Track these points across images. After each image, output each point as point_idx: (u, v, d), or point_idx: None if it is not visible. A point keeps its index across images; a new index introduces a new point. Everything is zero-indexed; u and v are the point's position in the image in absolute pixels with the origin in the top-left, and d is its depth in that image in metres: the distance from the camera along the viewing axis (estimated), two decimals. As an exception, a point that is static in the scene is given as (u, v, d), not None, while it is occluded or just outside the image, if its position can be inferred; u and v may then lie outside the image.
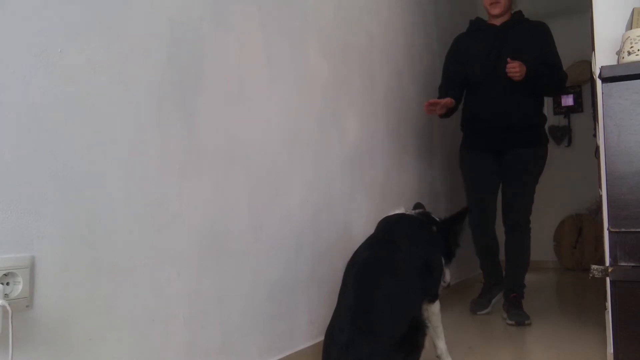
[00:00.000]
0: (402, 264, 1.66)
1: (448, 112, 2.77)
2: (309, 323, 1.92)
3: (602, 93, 1.29)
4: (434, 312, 1.79)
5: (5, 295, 0.95)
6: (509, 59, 2.49)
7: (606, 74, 1.27)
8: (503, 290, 2.80)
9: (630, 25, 1.49)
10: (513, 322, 2.59)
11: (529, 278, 4.30)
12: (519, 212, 2.71)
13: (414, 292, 1.66)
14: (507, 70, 2.48)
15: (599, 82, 1.44)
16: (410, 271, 1.66)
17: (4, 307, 0.93)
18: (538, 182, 2.75)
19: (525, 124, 2.65)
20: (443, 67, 2.92)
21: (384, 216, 1.90)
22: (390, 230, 1.81)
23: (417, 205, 2.11)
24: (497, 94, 2.62)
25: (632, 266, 1.22)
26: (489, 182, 2.79)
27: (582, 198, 4.74)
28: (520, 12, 2.81)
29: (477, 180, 2.79)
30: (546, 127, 5.16)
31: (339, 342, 1.53)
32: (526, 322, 2.58)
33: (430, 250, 1.78)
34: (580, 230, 4.79)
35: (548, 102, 5.16)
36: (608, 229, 1.26)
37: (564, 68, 5.69)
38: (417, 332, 1.61)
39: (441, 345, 1.84)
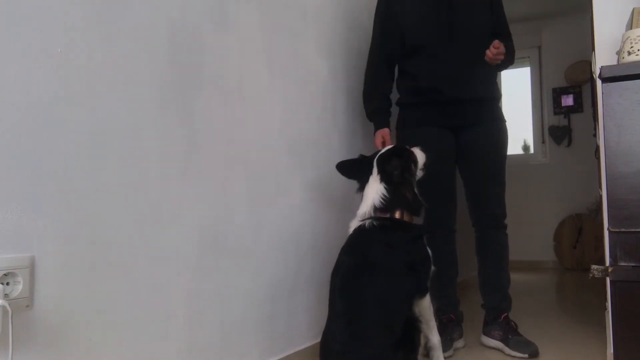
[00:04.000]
0: (384, 266, 1.64)
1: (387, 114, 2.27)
2: (309, 323, 1.92)
3: (602, 93, 1.29)
4: (424, 306, 1.75)
5: (5, 295, 0.95)
6: (497, 42, 2.03)
7: (606, 74, 1.27)
8: (486, 311, 2.25)
9: (630, 25, 1.49)
10: (526, 356, 2.03)
11: (529, 278, 4.29)
12: (494, 203, 2.20)
13: (401, 293, 1.64)
14: (491, 55, 2.03)
15: (599, 82, 1.44)
16: (394, 273, 1.64)
17: (4, 307, 0.93)
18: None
19: (490, 96, 2.23)
20: (374, 32, 2.31)
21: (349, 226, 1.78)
22: (364, 237, 1.73)
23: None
24: (456, 62, 2.13)
25: (632, 266, 1.22)
26: (449, 166, 2.22)
27: (582, 198, 4.75)
28: None
29: (434, 163, 1.99)
30: (543, 125, 5.20)
31: (334, 350, 1.55)
32: (537, 351, 2.05)
33: (411, 248, 1.72)
34: (580, 230, 4.80)
35: (548, 102, 5.17)
36: (608, 229, 1.26)
37: (564, 68, 5.66)
38: (412, 331, 1.62)
39: (433, 338, 1.79)
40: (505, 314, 2.18)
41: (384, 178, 1.76)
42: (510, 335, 2.11)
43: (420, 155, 1.89)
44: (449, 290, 2.24)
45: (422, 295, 1.74)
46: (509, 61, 2.24)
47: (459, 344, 2.18)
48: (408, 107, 2.25)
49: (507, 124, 2.27)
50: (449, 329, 2.17)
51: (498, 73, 2.34)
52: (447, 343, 2.08)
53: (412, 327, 1.63)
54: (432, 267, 1.78)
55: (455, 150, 2.21)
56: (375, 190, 1.75)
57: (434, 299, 2.05)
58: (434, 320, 1.79)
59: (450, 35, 2.14)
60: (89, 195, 1.13)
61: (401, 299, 1.64)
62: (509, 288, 2.23)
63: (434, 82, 2.16)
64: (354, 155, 2.31)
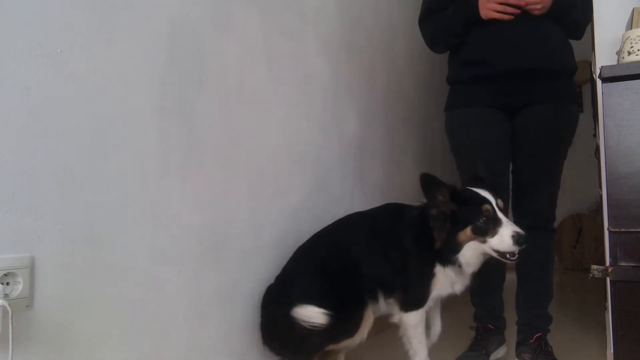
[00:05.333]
0: (363, 240, 1.64)
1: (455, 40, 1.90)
2: (309, 323, 1.92)
3: (602, 93, 1.29)
4: (407, 323, 1.57)
5: (5, 295, 0.95)
6: None
7: (606, 74, 1.27)
8: (517, 329, 1.94)
9: (630, 25, 1.48)
10: None
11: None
12: (543, 200, 1.84)
13: (354, 265, 1.60)
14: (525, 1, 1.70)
15: (599, 82, 1.43)
16: (366, 248, 1.62)
17: (4, 307, 0.93)
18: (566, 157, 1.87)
19: (558, 68, 1.77)
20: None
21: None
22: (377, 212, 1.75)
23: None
24: (515, 26, 1.74)
25: (632, 266, 1.22)
26: (501, 153, 1.85)
27: (582, 198, 4.74)
28: None
29: (485, 149, 1.82)
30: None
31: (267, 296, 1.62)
32: None
33: (407, 243, 1.58)
34: (580, 230, 4.79)
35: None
36: (608, 229, 1.26)
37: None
38: (358, 304, 1.57)
39: None
40: (539, 334, 1.85)
41: (428, 198, 1.53)
42: None
43: (505, 240, 1.45)
44: (488, 300, 1.96)
45: (406, 308, 1.57)
46: (582, 25, 1.83)
47: (499, 353, 1.97)
48: (456, 84, 1.95)
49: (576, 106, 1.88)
50: (485, 340, 1.93)
51: (570, 42, 1.87)
52: (480, 358, 1.89)
53: (359, 302, 1.56)
54: (435, 293, 1.59)
55: (510, 135, 1.85)
56: None
57: (472, 305, 1.93)
58: (419, 340, 1.59)
59: None
60: (89, 195, 1.13)
61: (355, 274, 1.58)
62: (549, 304, 1.91)
63: (483, 52, 1.81)
64: (353, 154, 2.31)
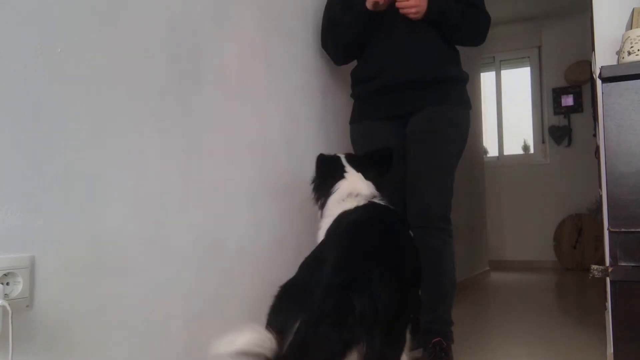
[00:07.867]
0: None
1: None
2: (309, 323, 1.92)
3: (602, 93, 1.29)
4: None
5: (5, 295, 0.95)
6: None
7: (606, 74, 1.27)
8: (420, 333, 1.83)
9: (630, 25, 1.48)
10: None
11: (529, 278, 4.27)
12: (431, 197, 1.78)
13: None
14: (397, 5, 1.77)
15: (599, 82, 1.44)
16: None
17: (4, 307, 0.92)
18: (459, 162, 1.89)
19: (439, 77, 1.86)
20: (324, 16, 2.05)
21: None
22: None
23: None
24: (396, 40, 1.85)
25: (632, 266, 1.22)
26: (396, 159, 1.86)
27: (582, 198, 4.75)
28: None
29: None
30: (543, 125, 5.19)
31: None
32: None
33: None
34: (580, 230, 4.80)
35: (548, 102, 5.17)
36: (608, 229, 1.26)
37: (564, 68, 5.60)
38: None
39: None
40: (437, 339, 1.76)
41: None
42: None
43: None
44: None
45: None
46: (470, 33, 1.91)
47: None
48: (355, 98, 2.05)
49: (469, 110, 1.94)
50: None
51: (457, 52, 1.97)
52: None
53: None
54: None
55: (402, 142, 1.91)
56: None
57: None
58: None
59: (394, 13, 1.80)
60: (89, 195, 1.13)
61: None
62: (447, 309, 1.83)
63: (369, 67, 1.92)
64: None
